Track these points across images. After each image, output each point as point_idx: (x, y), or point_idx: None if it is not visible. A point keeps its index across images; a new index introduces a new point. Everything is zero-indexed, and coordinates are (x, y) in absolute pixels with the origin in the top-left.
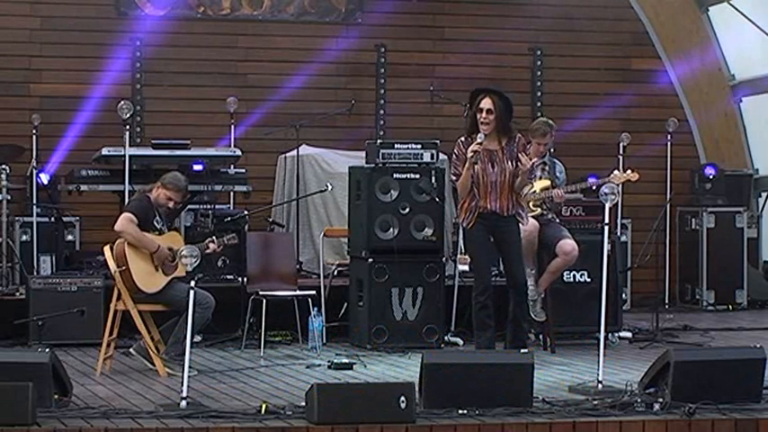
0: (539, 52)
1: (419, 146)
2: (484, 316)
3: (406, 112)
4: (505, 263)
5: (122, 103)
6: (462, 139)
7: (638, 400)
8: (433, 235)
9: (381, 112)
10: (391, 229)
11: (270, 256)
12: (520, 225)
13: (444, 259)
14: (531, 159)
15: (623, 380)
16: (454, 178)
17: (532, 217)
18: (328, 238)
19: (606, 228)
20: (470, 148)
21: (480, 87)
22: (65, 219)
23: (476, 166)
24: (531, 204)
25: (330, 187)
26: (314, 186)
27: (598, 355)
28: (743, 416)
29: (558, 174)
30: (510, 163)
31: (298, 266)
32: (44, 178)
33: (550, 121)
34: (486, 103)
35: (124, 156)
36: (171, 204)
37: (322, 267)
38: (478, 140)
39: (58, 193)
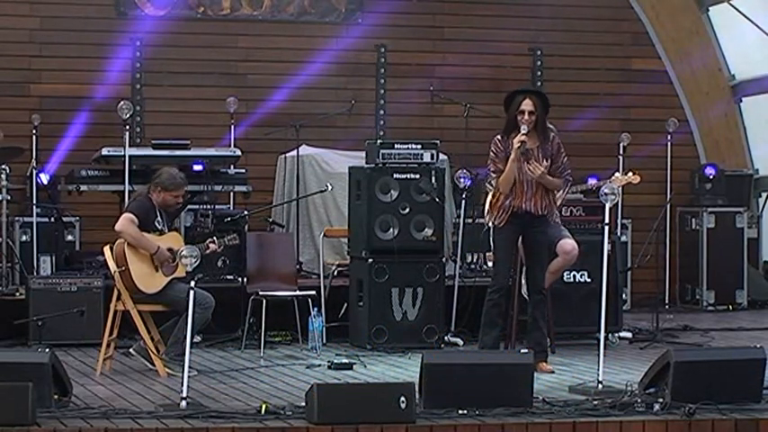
0: (539, 52)
1: (419, 146)
2: (495, 314)
3: (406, 112)
4: (529, 264)
5: (122, 103)
6: (499, 137)
7: (639, 401)
8: (433, 235)
9: (381, 112)
10: (391, 230)
11: (270, 257)
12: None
13: (444, 259)
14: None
15: (623, 380)
16: (494, 175)
17: None
18: (328, 239)
19: (606, 228)
20: (517, 139)
21: (518, 89)
22: (65, 219)
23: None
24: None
25: (330, 187)
26: (314, 186)
27: (598, 355)
28: (743, 416)
29: None
30: (545, 161)
31: (298, 267)
32: (44, 178)
33: (550, 126)
34: (528, 105)
35: (124, 156)
36: (179, 201)
37: (322, 267)
38: (523, 131)
39: (58, 193)
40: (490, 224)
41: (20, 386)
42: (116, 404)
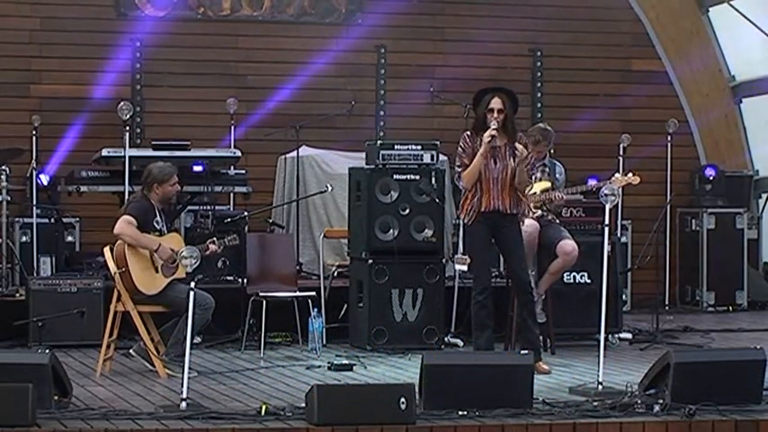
0: (539, 52)
1: (419, 147)
2: (483, 316)
3: (406, 113)
4: (509, 263)
5: (122, 103)
6: (468, 133)
7: (639, 402)
8: (432, 236)
9: (381, 112)
10: (391, 230)
11: (270, 258)
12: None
13: (444, 260)
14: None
15: (623, 381)
16: (459, 169)
17: (533, 218)
18: (328, 239)
19: (606, 229)
20: (487, 133)
21: (486, 87)
22: (65, 220)
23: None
24: (531, 206)
25: (330, 188)
26: (314, 187)
27: (598, 356)
28: (743, 417)
29: (557, 175)
30: (512, 160)
31: (298, 267)
32: (44, 179)
33: (548, 128)
34: (497, 104)
35: (124, 157)
36: (178, 187)
37: (322, 268)
38: (494, 126)
39: (58, 194)
40: (462, 222)
41: (20, 387)
42: (116, 405)
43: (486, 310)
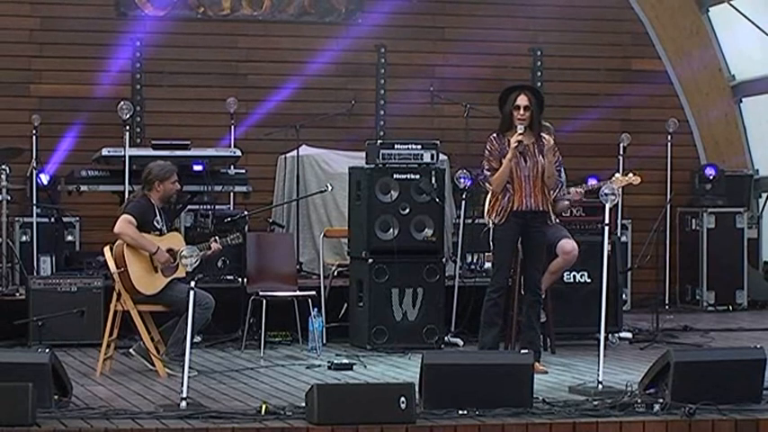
0: (539, 52)
1: (419, 146)
2: (493, 313)
3: (406, 113)
4: (526, 263)
5: (122, 103)
6: (494, 135)
7: (639, 401)
8: (433, 235)
9: (381, 112)
10: (391, 230)
11: (270, 257)
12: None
13: (444, 260)
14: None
15: (623, 380)
16: (488, 173)
17: None
18: (328, 239)
19: (606, 228)
20: (514, 138)
21: (513, 85)
22: (65, 219)
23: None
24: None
25: (330, 188)
26: (314, 187)
27: (598, 355)
28: (743, 416)
29: None
30: (541, 156)
31: (298, 267)
32: (44, 179)
33: (548, 125)
34: (523, 101)
35: (124, 156)
36: (178, 186)
37: (322, 268)
38: (520, 131)
39: (58, 193)
40: (490, 224)
41: (20, 386)
42: (116, 404)
43: (497, 308)
